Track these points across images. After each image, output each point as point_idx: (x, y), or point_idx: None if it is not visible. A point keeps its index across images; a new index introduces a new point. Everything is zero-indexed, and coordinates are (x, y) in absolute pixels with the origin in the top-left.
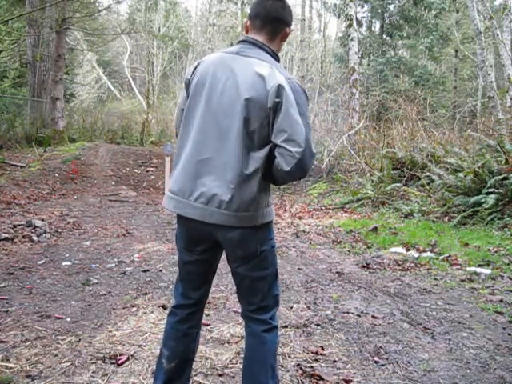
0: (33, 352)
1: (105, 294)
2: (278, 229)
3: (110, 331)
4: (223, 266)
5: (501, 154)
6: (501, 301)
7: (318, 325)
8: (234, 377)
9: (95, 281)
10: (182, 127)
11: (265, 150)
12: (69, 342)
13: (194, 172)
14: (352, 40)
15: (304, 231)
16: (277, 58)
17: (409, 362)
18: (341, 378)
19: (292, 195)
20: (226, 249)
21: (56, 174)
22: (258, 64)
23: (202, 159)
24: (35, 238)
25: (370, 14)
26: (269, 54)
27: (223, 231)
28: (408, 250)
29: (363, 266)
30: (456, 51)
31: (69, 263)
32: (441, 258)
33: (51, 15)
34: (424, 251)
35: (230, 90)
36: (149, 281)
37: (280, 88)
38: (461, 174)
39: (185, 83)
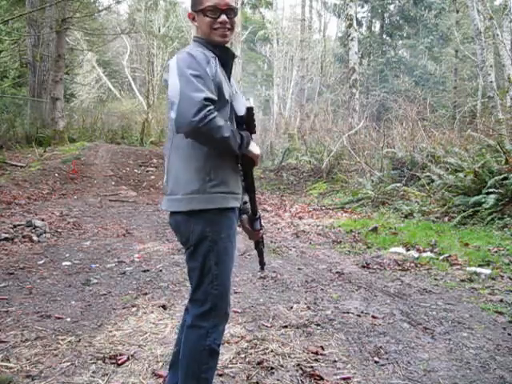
0: (33, 352)
1: (105, 294)
2: (278, 229)
3: (110, 331)
4: None
5: (501, 154)
6: (501, 301)
7: (318, 325)
8: (233, 377)
9: (95, 281)
10: None
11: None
12: (69, 342)
13: None
14: (352, 40)
15: (304, 231)
16: (198, 40)
17: (409, 362)
18: (341, 377)
19: (292, 195)
20: None
21: (56, 174)
22: None
23: None
24: (35, 238)
25: (370, 14)
26: (194, 41)
27: (169, 217)
28: (408, 249)
29: (363, 266)
30: (456, 51)
31: (69, 263)
32: (441, 258)
33: (51, 15)
34: (424, 251)
35: None
36: (149, 281)
37: (169, 66)
38: (461, 174)
39: None
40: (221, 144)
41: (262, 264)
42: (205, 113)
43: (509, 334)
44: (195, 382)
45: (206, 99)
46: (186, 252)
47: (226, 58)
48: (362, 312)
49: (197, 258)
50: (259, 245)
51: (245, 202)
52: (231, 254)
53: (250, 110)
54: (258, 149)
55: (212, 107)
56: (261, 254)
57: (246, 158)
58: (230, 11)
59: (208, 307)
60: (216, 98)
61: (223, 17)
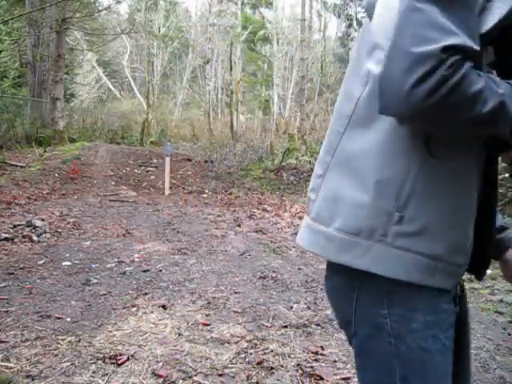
0: (33, 352)
1: (105, 294)
2: (278, 229)
3: (110, 331)
4: (223, 266)
5: None
6: (501, 301)
7: (317, 325)
8: (233, 377)
9: (95, 281)
10: None
11: None
12: (69, 342)
13: None
14: (352, 40)
15: None
16: None
17: None
18: (341, 377)
19: (292, 195)
20: None
21: (56, 174)
22: None
23: None
24: (35, 238)
25: None
26: None
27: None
28: None
29: None
30: None
31: (69, 263)
32: None
33: (51, 15)
34: None
35: None
36: (149, 281)
37: None
38: None
39: None
40: (479, 128)
41: None
42: (441, 75)
43: (509, 334)
44: None
45: (449, 48)
46: (350, 342)
47: None
48: None
49: (368, 362)
50: None
51: (502, 228)
52: (439, 366)
53: None
54: None
55: (458, 60)
56: None
57: None
58: None
59: None
60: (478, 48)
61: None
